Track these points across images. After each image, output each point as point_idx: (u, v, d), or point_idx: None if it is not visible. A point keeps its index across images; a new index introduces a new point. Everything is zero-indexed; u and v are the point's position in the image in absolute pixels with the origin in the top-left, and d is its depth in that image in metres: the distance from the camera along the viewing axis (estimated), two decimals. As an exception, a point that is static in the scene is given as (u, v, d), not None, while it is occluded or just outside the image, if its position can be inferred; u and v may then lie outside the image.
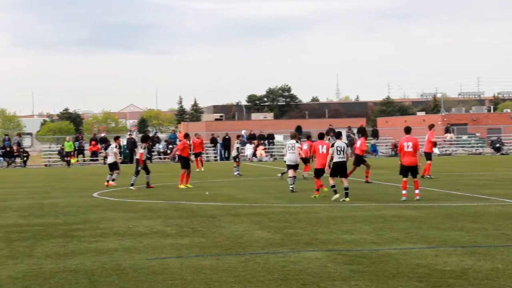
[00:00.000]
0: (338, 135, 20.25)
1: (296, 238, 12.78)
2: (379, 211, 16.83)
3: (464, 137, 64.80)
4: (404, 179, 19.23)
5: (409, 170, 19.24)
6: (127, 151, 54.89)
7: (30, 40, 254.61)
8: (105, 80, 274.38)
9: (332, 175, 19.68)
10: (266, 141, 58.59)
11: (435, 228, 13.84)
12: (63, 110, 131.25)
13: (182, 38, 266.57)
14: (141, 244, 12.47)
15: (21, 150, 53.87)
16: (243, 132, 59.60)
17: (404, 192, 19.11)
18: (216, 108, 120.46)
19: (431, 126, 29.61)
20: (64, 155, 52.38)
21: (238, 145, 35.87)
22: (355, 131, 61.23)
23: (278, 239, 12.78)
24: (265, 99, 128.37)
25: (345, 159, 19.57)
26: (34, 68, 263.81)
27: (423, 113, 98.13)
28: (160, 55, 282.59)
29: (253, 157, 55.26)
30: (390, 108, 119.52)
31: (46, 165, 54.38)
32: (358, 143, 27.12)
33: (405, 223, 14.56)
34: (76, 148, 54.96)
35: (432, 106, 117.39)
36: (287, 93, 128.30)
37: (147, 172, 26.91)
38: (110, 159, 28.90)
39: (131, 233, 13.87)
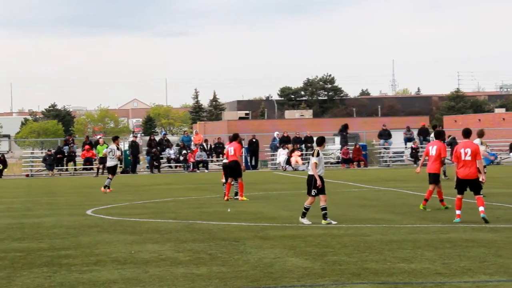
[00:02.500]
0: (320, 142, 19.57)
1: (341, 268, 12.76)
2: (446, 234, 16.73)
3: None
4: (459, 196, 19.12)
5: (466, 185, 19.02)
6: (129, 158, 55.23)
7: (6, 19, 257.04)
8: (102, 69, 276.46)
9: (308, 193, 19.30)
10: (303, 146, 58.57)
11: (518, 255, 13.74)
12: (50, 107, 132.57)
13: (198, 16, 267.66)
14: (146, 274, 12.53)
15: (-2, 156, 54.44)
16: (275, 134, 59.70)
17: (458, 212, 19.08)
18: (241, 104, 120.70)
19: None
20: (100, 162, 52.30)
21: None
22: (415, 133, 61.01)
23: (318, 268, 12.77)
24: (302, 92, 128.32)
25: (312, 172, 19.12)
26: (13, 55, 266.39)
27: (502, 110, 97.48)
28: (171, 38, 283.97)
29: (287, 165, 55.27)
30: (460, 103, 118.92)
31: (27, 175, 54.90)
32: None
33: (479, 250, 14.46)
34: (66, 154, 55.45)
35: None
36: (329, 85, 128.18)
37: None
38: (112, 162, 31.60)
39: (134, 261, 13.93)
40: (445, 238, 16.10)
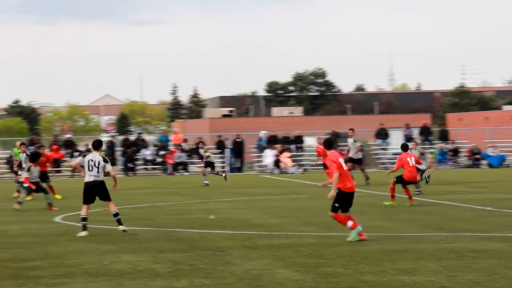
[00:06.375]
0: (96, 146, 19.94)
1: (335, 280, 12.76)
2: (451, 244, 16.75)
3: None
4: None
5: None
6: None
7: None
8: (71, 62, 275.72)
9: (86, 201, 19.86)
10: (292, 146, 58.58)
11: (531, 267, 13.78)
12: (13, 103, 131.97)
13: (173, 2, 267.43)
14: (121, 288, 12.49)
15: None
16: (261, 134, 59.66)
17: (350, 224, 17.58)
18: (224, 101, 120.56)
19: None
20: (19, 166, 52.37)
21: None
22: (415, 132, 61.09)
23: (310, 280, 12.77)
24: (292, 87, 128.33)
25: (101, 178, 19.66)
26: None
27: (511, 107, 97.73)
28: (146, 26, 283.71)
29: (276, 168, 55.25)
30: (465, 100, 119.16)
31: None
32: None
33: (488, 261, 14.49)
34: (29, 155, 55.14)
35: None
36: (321, 80, 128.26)
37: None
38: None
39: (108, 273, 13.90)
40: (450, 248, 16.10)
